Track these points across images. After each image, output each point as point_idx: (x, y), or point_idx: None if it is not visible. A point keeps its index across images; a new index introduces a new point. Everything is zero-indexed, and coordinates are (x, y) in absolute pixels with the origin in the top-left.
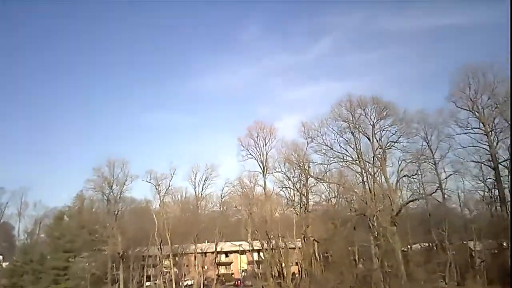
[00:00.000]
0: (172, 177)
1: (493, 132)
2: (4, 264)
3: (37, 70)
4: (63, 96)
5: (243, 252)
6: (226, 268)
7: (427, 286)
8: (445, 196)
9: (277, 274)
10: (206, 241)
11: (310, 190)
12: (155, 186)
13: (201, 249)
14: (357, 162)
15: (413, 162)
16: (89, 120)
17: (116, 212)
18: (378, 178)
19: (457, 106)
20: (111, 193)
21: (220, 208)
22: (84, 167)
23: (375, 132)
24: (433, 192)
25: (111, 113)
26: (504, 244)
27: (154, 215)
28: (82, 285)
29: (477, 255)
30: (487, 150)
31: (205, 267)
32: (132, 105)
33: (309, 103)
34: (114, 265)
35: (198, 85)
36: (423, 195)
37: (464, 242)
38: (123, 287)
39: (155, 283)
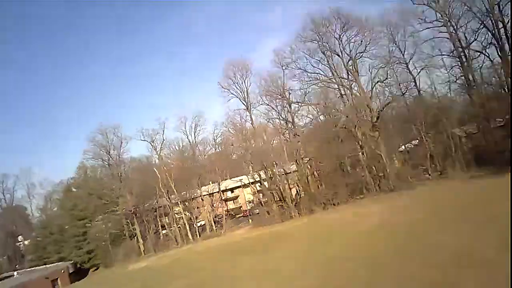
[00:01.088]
0: (163, 130)
1: (450, 21)
2: (26, 242)
3: None
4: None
5: (246, 185)
6: (234, 202)
7: (413, 181)
8: (420, 92)
9: (278, 199)
10: (210, 182)
11: (295, 115)
12: (150, 143)
13: (207, 191)
14: (332, 79)
15: (384, 67)
16: (74, 90)
17: (119, 174)
18: (354, 90)
19: (414, 3)
20: (110, 158)
21: (214, 150)
22: (79, 138)
23: (344, 46)
24: (405, 92)
25: (97, 80)
26: (476, 126)
27: (155, 169)
28: (103, 245)
29: (454, 141)
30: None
31: (214, 205)
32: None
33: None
34: (129, 221)
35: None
36: (398, 95)
37: (440, 132)
38: (141, 239)
39: (171, 229)
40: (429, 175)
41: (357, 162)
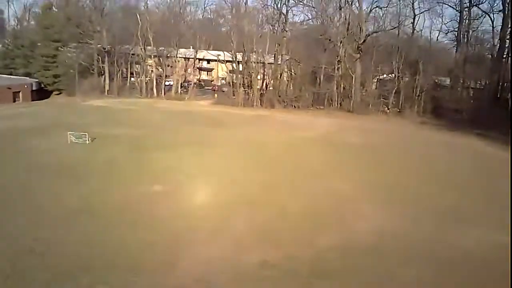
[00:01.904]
0: None
1: None
2: None
3: None
4: None
5: (223, 61)
6: (207, 74)
7: (371, 109)
8: (414, 31)
9: (247, 85)
10: (191, 47)
11: (290, 10)
12: None
13: (185, 54)
14: None
15: None
16: None
17: (103, 9)
18: (354, 7)
19: None
20: None
21: (202, 16)
22: None
23: None
24: (396, 27)
25: None
26: (450, 80)
27: (138, 15)
28: (71, 73)
29: (422, 85)
30: None
31: (188, 70)
32: None
33: None
34: (100, 58)
35: None
36: (392, 26)
37: (415, 73)
38: (108, 79)
39: (139, 79)
40: (388, 109)
41: (331, 76)
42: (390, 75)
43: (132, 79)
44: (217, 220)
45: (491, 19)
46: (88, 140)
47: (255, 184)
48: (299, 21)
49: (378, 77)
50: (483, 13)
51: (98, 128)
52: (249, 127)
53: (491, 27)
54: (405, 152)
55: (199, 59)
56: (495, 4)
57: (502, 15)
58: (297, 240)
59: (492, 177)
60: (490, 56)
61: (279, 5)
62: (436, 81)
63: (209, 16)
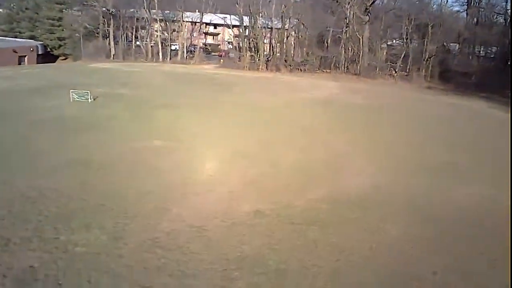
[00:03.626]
0: None
1: None
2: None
3: None
4: None
5: (229, 25)
6: (213, 38)
7: (378, 73)
8: None
9: (253, 49)
10: (197, 10)
11: None
12: None
13: (191, 18)
14: None
15: None
16: None
17: None
18: None
19: None
20: None
21: None
22: None
23: None
24: None
25: None
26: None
27: None
28: (75, 36)
29: (430, 50)
30: None
31: (194, 35)
32: None
33: None
34: (105, 21)
35: None
36: None
37: (423, 37)
38: (113, 42)
39: (145, 43)
40: (395, 72)
41: (338, 39)
42: (399, 41)
43: (138, 43)
44: (213, 172)
45: None
46: (90, 99)
47: (252, 140)
48: None
49: (386, 41)
50: None
51: (101, 88)
52: (251, 87)
53: None
54: (406, 112)
55: (206, 23)
56: None
57: None
58: (289, 191)
59: (489, 136)
60: (502, 20)
61: None
62: (445, 45)
63: None
